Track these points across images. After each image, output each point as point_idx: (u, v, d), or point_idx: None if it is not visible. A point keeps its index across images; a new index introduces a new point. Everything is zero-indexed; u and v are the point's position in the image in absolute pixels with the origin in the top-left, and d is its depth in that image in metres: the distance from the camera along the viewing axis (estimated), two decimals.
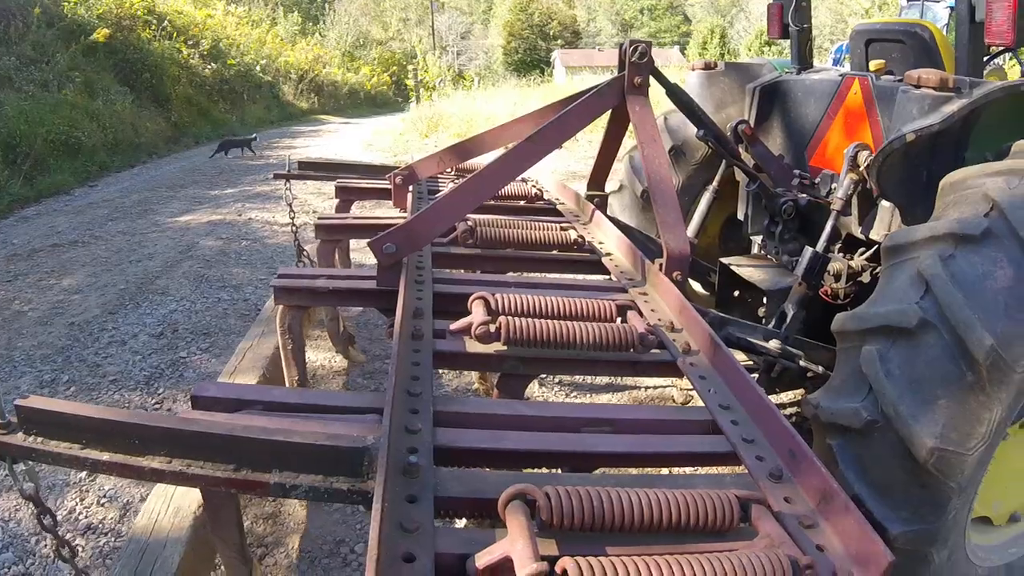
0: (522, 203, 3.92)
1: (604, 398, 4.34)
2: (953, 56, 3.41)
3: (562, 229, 3.11)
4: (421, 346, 1.92)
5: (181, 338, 5.13)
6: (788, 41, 4.13)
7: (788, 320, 3.15)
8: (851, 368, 2.40)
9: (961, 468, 2.15)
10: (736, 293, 3.98)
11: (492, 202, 3.89)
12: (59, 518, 3.14)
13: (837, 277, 3.35)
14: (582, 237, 3.03)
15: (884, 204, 3.11)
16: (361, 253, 6.88)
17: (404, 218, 3.58)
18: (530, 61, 53.36)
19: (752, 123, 3.87)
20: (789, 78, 3.90)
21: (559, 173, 10.19)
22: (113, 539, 3.09)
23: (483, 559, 1.17)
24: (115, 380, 4.47)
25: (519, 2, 55.61)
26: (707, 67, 4.14)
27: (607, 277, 2.91)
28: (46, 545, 3.03)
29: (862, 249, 3.42)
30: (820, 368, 3.12)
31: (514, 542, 1.14)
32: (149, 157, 13.02)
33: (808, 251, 3.18)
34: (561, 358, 2.10)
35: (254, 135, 15.06)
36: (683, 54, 49.42)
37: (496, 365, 2.04)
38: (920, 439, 2.11)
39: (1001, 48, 3.93)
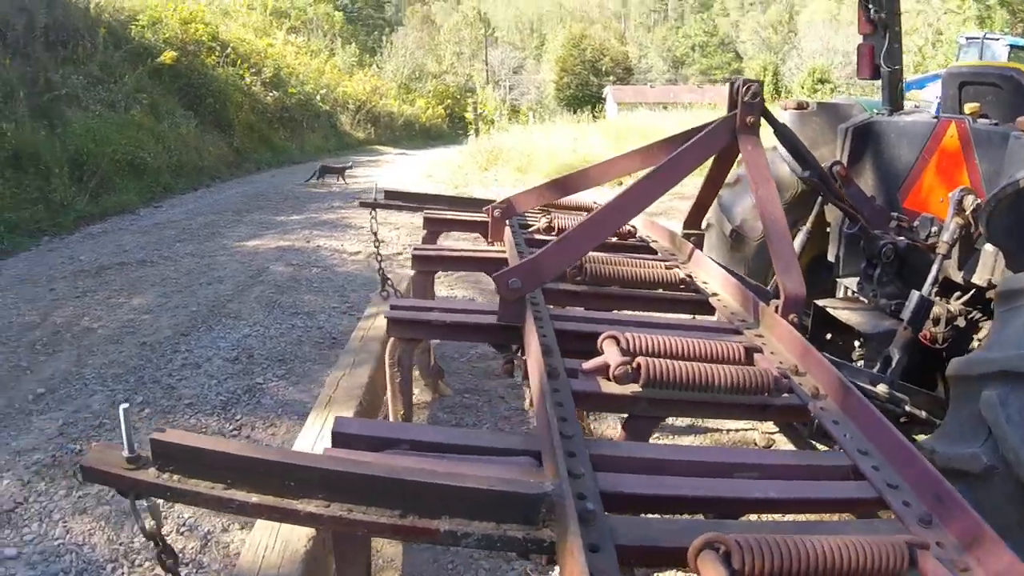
0: (614, 239, 3.90)
1: (687, 440, 4.26)
2: None
3: (667, 268, 3.10)
4: (559, 385, 1.91)
5: (256, 363, 5.12)
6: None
7: (893, 364, 3.10)
8: (968, 413, 2.38)
9: None
10: (828, 336, 3.91)
11: None
12: (136, 547, 3.09)
13: (936, 321, 3.30)
14: (690, 276, 3.01)
15: (987, 248, 3.06)
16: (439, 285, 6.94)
17: (500, 251, 3.61)
18: (582, 96, 53.70)
19: (844, 164, 3.84)
20: (882, 119, 3.87)
21: None
22: (195, 570, 3.05)
23: None
24: (191, 404, 4.46)
25: (571, 38, 56.19)
26: (799, 107, 4.12)
27: (717, 318, 2.88)
28: (123, 573, 3.00)
29: (958, 293, 3.36)
30: (923, 413, 3.06)
31: None
32: (212, 181, 13.32)
33: (915, 295, 3.13)
34: (692, 400, 2.07)
35: (350, 163, 15.37)
36: None
37: (630, 406, 2.02)
38: None
39: None
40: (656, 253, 3.71)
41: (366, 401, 3.60)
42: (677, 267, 3.14)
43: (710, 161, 3.30)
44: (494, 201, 4.72)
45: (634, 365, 1.93)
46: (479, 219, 4.37)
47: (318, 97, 21.49)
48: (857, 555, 1.32)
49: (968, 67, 4.20)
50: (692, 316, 3.05)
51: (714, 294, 3.03)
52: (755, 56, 53.29)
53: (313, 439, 3.07)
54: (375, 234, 4.95)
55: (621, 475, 1.54)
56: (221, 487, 1.39)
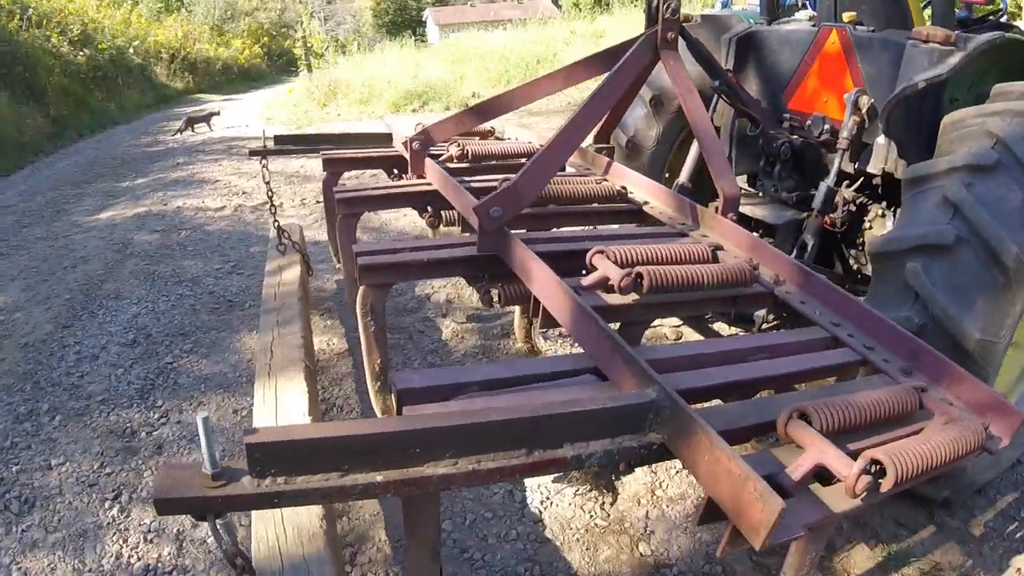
0: (523, 160, 3.96)
1: None
2: (918, 8, 3.73)
3: (597, 182, 3.23)
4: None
5: (157, 342, 4.82)
6: None
7: (809, 248, 3.43)
8: (894, 283, 2.74)
9: (996, 354, 2.59)
10: None
11: (495, 162, 3.94)
12: (109, 567, 2.89)
13: (834, 208, 3.67)
14: (624, 188, 3.16)
15: (879, 141, 3.42)
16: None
17: (426, 185, 3.57)
18: (401, 21, 52.12)
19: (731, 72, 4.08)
20: (763, 28, 4.12)
21: None
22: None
23: (798, 471, 1.33)
24: (104, 400, 4.13)
25: None
26: (684, 20, 4.29)
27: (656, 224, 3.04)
28: None
29: (847, 181, 3.74)
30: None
31: (822, 451, 1.32)
32: (36, 156, 11.86)
33: (823, 186, 3.46)
34: (676, 301, 2.25)
35: (217, 110, 14.68)
36: (556, 4, 49.53)
37: (628, 314, 2.16)
38: (968, 333, 2.51)
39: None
40: (565, 169, 3.82)
41: (309, 362, 3.52)
42: (606, 180, 3.28)
43: None
44: (388, 135, 4.63)
45: (634, 275, 2.07)
46: (381, 154, 4.30)
47: (131, 50, 19.58)
48: (889, 403, 1.58)
49: None
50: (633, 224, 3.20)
51: (645, 202, 3.20)
52: None
53: (271, 412, 2.97)
54: (268, 184, 4.74)
55: (675, 374, 1.68)
56: (337, 475, 1.30)
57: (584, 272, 2.49)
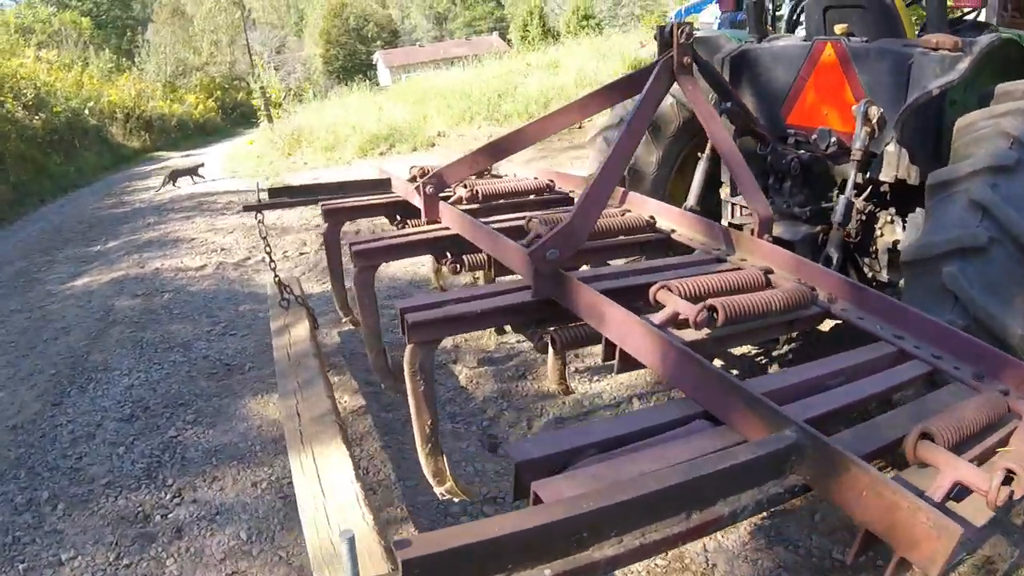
0: (532, 197, 3.94)
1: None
2: (908, 17, 3.79)
3: (622, 214, 3.19)
4: None
5: (157, 415, 4.55)
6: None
7: (835, 262, 3.42)
8: (930, 288, 2.76)
9: None
10: None
11: (502, 201, 3.89)
12: None
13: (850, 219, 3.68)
14: (653, 218, 3.12)
15: (890, 150, 3.44)
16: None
17: (443, 230, 3.49)
18: (351, 67, 52.36)
19: None
20: (754, 46, 4.16)
21: None
22: None
23: (939, 492, 1.32)
24: (109, 482, 3.83)
25: (332, 8, 54.33)
26: None
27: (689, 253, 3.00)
28: None
29: (855, 191, 3.76)
30: None
31: (957, 469, 1.33)
32: None
33: (842, 200, 3.46)
34: (740, 331, 2.20)
35: (202, 162, 14.58)
36: (504, 39, 50.22)
37: (702, 349, 2.10)
38: (1011, 330, 2.55)
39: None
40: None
41: (340, 421, 3.37)
42: (630, 210, 3.24)
43: None
44: (387, 180, 4.53)
45: (708, 308, 2.01)
46: (383, 201, 4.22)
47: (85, 111, 19.35)
48: (988, 411, 1.60)
49: None
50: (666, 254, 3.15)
51: (672, 230, 3.16)
52: (516, 2, 54.34)
53: (313, 481, 2.81)
54: (264, 239, 4.58)
55: (789, 406, 1.63)
56: None
57: (635, 306, 2.43)
